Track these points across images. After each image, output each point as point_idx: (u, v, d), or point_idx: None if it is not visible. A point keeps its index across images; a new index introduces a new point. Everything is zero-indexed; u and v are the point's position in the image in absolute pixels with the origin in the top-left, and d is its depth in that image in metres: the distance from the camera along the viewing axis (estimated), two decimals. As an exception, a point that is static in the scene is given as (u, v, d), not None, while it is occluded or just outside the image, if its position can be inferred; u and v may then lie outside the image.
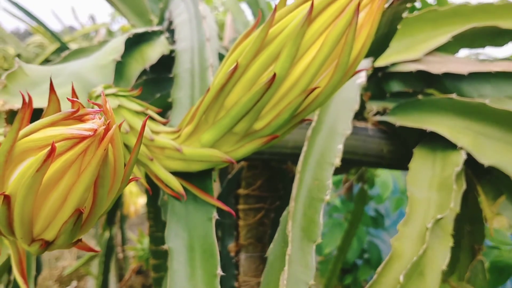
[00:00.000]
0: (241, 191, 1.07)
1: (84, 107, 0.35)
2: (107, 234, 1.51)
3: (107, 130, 0.32)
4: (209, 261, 0.52)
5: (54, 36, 1.81)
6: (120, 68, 0.62)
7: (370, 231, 2.33)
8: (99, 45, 0.70)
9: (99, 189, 0.35)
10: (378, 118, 0.85)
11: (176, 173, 0.55)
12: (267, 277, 0.58)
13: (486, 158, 0.75)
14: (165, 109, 0.65)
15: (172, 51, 0.70)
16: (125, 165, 0.39)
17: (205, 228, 0.53)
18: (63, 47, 1.95)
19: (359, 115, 0.86)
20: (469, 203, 0.89)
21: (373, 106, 0.93)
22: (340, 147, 0.61)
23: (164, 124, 0.57)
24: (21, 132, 0.35)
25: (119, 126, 0.49)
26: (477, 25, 0.91)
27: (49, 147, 0.31)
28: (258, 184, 1.06)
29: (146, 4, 0.82)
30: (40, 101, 0.48)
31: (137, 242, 1.74)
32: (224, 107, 0.50)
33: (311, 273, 0.54)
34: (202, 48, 0.66)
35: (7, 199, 0.34)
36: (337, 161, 0.60)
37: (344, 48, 0.45)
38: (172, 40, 0.72)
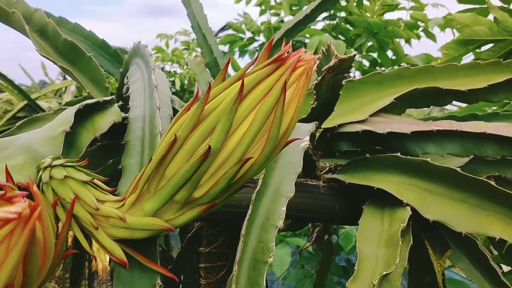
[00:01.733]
0: (202, 249, 1.07)
1: (14, 189, 0.37)
2: (70, 295, 1.48)
3: (33, 211, 0.34)
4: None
5: (22, 93, 1.85)
6: (70, 138, 0.64)
7: (342, 282, 2.32)
8: (54, 113, 0.73)
9: (28, 267, 0.37)
10: (330, 176, 0.89)
11: (122, 240, 0.57)
12: None
13: (430, 214, 0.79)
14: (117, 175, 0.67)
15: (125, 119, 0.73)
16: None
17: (149, 295, 0.54)
18: (31, 104, 1.99)
19: (312, 173, 0.89)
20: (425, 254, 0.91)
21: (326, 163, 0.97)
22: (284, 209, 0.63)
23: (112, 192, 0.59)
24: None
25: (56, 200, 0.51)
26: (419, 86, 0.97)
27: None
28: (220, 241, 1.07)
29: (102, 73, 0.86)
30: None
31: (100, 302, 1.69)
32: (165, 177, 0.52)
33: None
34: (153, 116, 0.69)
35: None
36: (281, 223, 0.62)
37: (274, 122, 0.49)
38: (127, 107, 0.75)
